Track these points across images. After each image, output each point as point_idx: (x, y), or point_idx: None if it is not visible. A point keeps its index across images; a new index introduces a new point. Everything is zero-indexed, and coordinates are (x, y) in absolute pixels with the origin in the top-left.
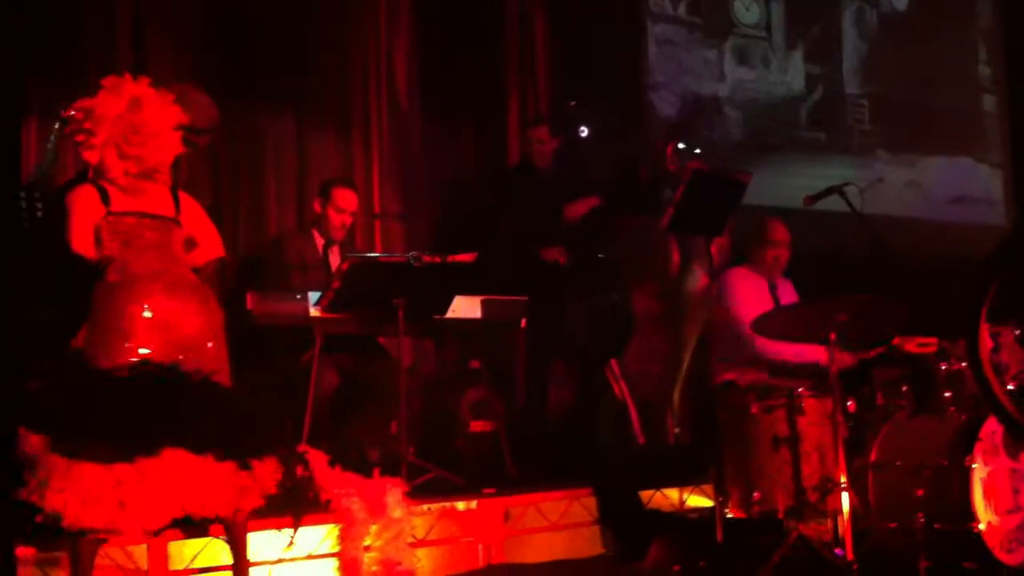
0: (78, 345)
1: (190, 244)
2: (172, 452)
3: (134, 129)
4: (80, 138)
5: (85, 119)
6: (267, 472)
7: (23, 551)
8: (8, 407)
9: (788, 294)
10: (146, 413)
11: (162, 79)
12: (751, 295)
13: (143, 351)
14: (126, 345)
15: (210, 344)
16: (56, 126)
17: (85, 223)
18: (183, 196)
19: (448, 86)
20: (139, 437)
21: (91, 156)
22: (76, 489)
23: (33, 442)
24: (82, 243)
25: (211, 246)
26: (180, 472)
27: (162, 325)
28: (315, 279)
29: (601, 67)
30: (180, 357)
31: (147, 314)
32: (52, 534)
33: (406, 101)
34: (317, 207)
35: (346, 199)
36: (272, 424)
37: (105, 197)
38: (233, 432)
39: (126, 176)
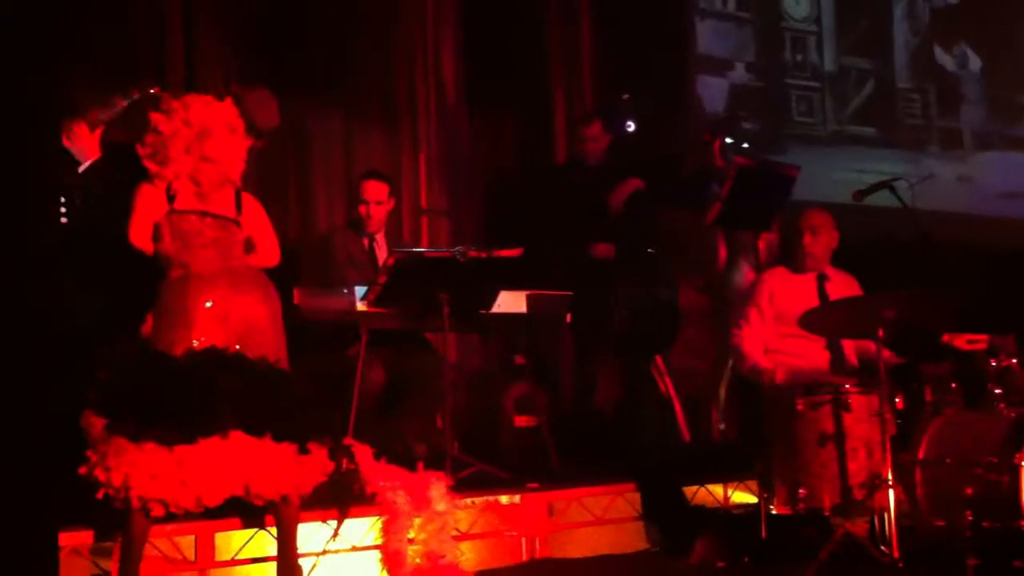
0: (145, 334)
1: (249, 246)
2: (233, 433)
3: (204, 157)
4: (153, 168)
5: (156, 153)
6: (323, 457)
7: (78, 537)
8: (72, 391)
9: (842, 288)
10: (208, 396)
11: (211, 79)
12: (767, 297)
13: (204, 337)
14: (191, 336)
15: (271, 332)
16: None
17: (145, 219)
18: (247, 198)
19: (494, 83)
20: (201, 419)
21: (161, 182)
22: (140, 467)
23: (96, 424)
24: (140, 238)
25: (268, 254)
26: (240, 452)
27: (224, 316)
28: (364, 275)
29: (647, 62)
30: (240, 345)
31: (209, 304)
32: (110, 512)
33: (452, 98)
34: (354, 202)
35: (370, 190)
36: (325, 412)
37: (170, 195)
38: (292, 416)
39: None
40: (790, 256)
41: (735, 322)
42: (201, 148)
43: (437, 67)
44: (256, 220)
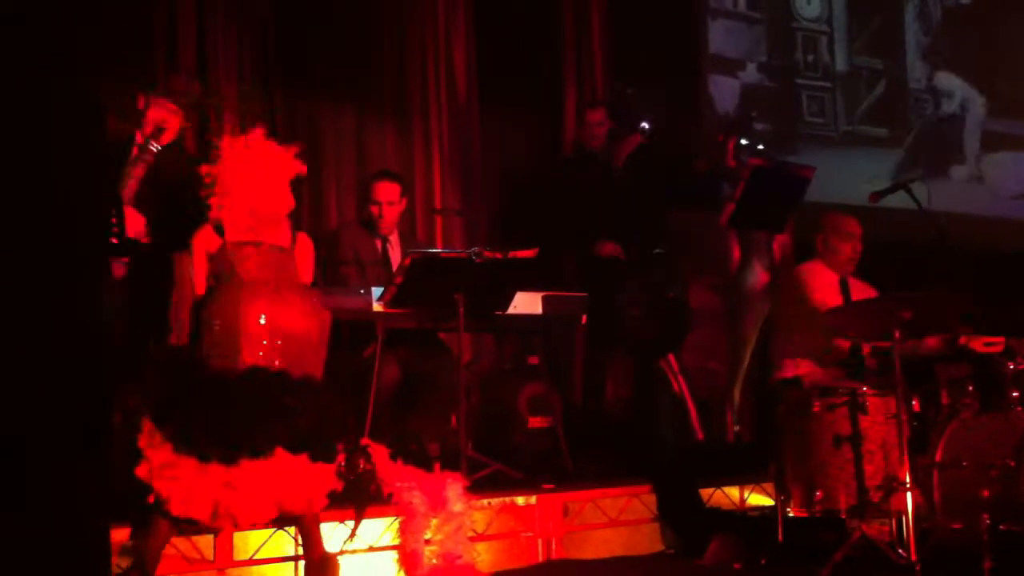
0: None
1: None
2: (276, 453)
3: (256, 194)
4: (213, 202)
5: (212, 185)
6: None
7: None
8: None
9: (859, 291)
10: (253, 416)
11: (225, 77)
12: (826, 288)
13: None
14: (240, 349)
15: (317, 346)
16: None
17: (202, 264)
18: (300, 236)
19: (506, 80)
20: (243, 439)
21: (217, 213)
22: (180, 481)
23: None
24: (200, 283)
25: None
26: (280, 473)
27: (274, 330)
28: (372, 275)
29: (659, 60)
30: (287, 364)
31: (262, 321)
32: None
33: (464, 95)
34: (364, 204)
35: (382, 190)
36: (346, 419)
37: (220, 230)
38: (325, 433)
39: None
40: (822, 255)
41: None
42: (258, 183)
43: (448, 64)
44: (304, 257)
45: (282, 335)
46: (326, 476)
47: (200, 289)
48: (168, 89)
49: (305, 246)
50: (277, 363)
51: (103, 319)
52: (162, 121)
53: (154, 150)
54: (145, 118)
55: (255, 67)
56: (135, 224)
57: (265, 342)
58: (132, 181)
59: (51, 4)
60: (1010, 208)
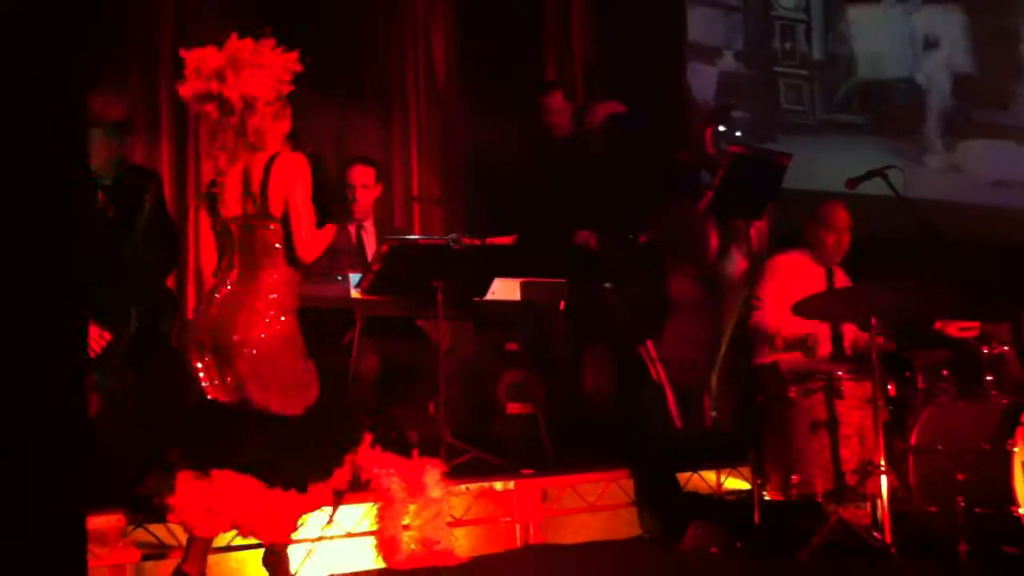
0: None
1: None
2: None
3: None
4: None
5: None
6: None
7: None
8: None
9: (843, 282)
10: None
11: None
12: (791, 279)
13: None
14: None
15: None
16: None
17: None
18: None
19: (486, 68)
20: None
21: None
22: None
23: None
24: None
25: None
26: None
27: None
28: (345, 263)
29: (640, 48)
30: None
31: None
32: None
33: (444, 83)
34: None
35: (356, 174)
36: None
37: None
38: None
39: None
40: (809, 245)
41: (751, 303)
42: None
43: (428, 52)
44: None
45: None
46: (295, 503)
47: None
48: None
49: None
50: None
51: (75, 304)
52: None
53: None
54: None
55: None
56: None
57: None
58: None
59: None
60: (987, 196)
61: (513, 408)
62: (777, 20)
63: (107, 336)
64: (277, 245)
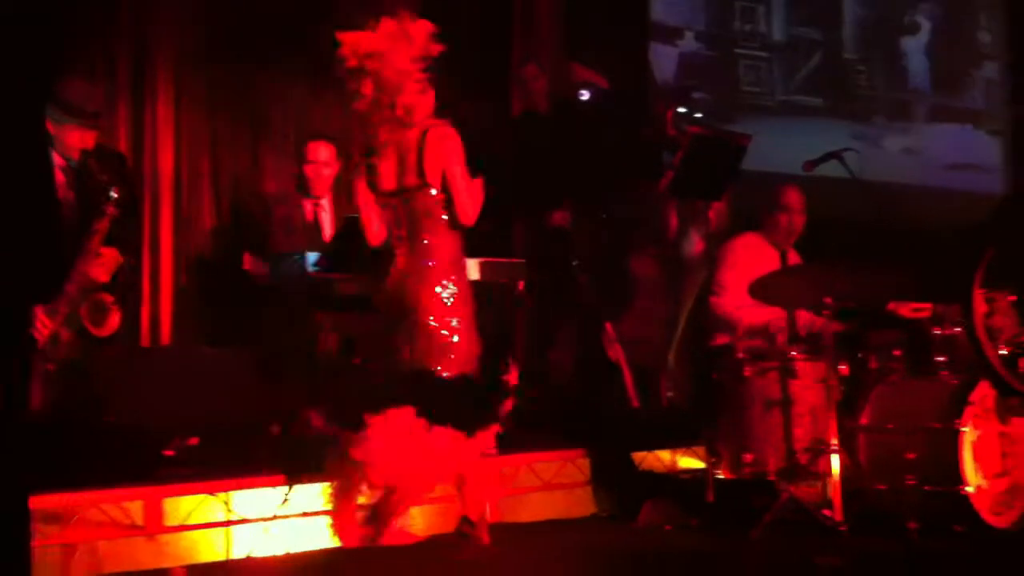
0: None
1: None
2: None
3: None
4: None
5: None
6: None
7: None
8: None
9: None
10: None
11: (166, 44)
12: (748, 262)
13: None
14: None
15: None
16: None
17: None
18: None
19: (452, 47)
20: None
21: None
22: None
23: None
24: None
25: (459, 204)
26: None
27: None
28: (301, 242)
29: (604, 27)
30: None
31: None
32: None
33: None
34: (297, 168)
35: (315, 150)
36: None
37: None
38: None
39: None
40: (762, 227)
41: (711, 289)
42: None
43: None
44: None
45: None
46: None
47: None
48: (61, 101)
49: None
50: None
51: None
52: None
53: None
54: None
55: (197, 33)
56: None
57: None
58: None
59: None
60: (943, 178)
61: None
62: (738, 2)
63: (48, 323)
64: (443, 216)
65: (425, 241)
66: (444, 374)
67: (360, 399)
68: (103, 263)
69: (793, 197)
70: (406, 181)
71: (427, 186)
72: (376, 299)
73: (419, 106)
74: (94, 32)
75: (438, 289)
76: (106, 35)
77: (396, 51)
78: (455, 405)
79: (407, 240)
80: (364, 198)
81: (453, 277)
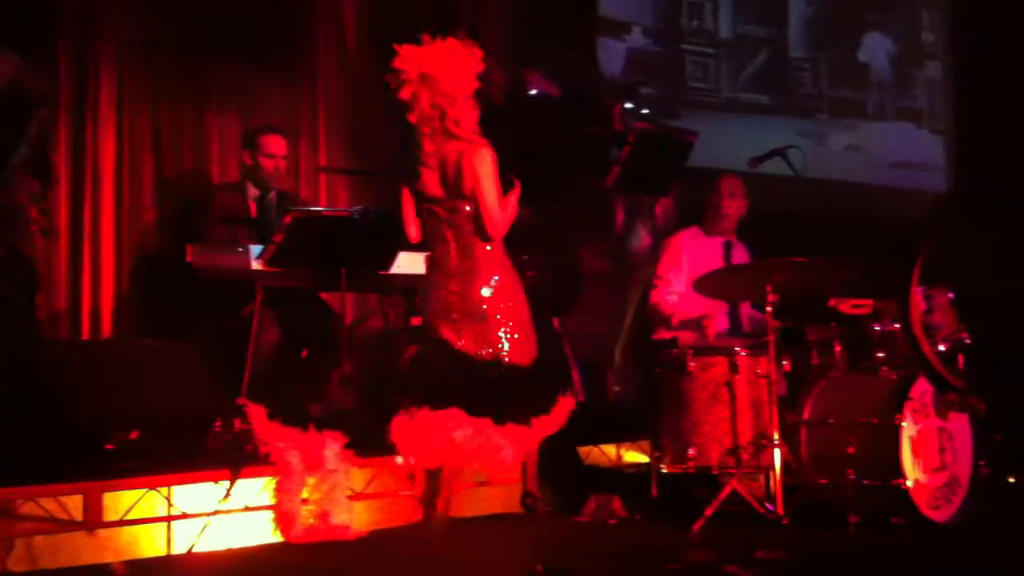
0: None
1: None
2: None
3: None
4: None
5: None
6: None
7: None
8: None
9: (742, 256)
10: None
11: (109, 30)
12: (688, 256)
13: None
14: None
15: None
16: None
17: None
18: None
19: (398, 33)
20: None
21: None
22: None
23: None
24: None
25: (484, 214)
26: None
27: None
28: (242, 233)
29: (553, 20)
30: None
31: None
32: None
33: (354, 47)
34: (247, 159)
35: (274, 144)
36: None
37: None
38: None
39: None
40: (704, 218)
41: (651, 283)
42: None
43: (338, 16)
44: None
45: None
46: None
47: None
48: None
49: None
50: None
51: None
52: None
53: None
54: None
55: (140, 20)
56: None
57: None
58: None
59: None
60: (885, 176)
61: None
62: None
63: None
64: (474, 228)
65: (469, 245)
66: (496, 366)
67: (413, 390)
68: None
69: (729, 183)
70: (447, 192)
71: (463, 200)
72: (420, 300)
73: (467, 121)
74: (34, 18)
75: (484, 289)
76: (46, 22)
77: (454, 67)
78: (509, 395)
79: (452, 243)
80: (407, 201)
81: (498, 275)
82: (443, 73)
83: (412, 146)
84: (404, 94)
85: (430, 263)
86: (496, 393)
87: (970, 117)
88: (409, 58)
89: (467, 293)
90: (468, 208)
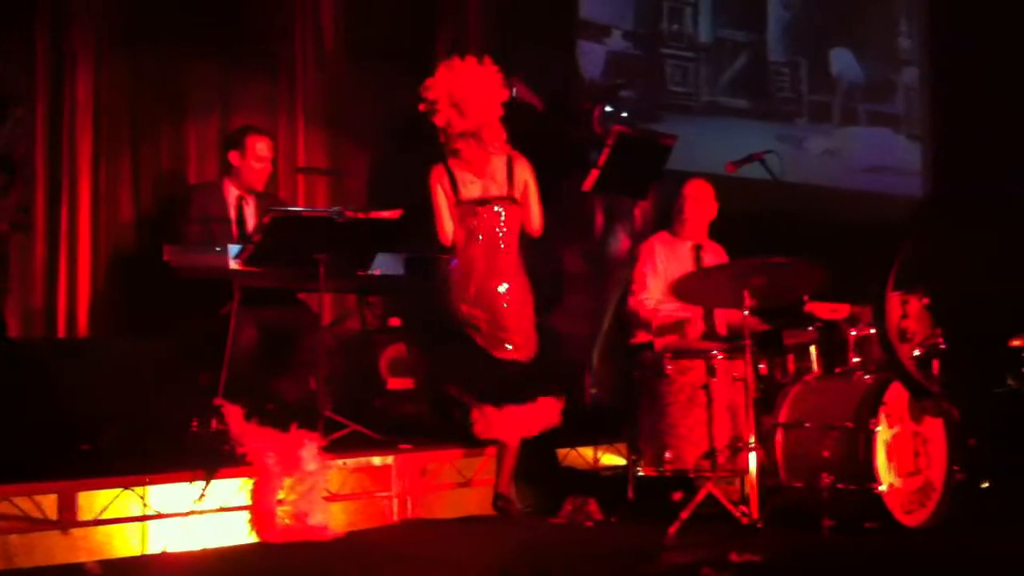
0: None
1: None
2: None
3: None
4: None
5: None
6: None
7: None
8: None
9: (716, 258)
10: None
11: (85, 25)
12: (662, 260)
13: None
14: (462, 310)
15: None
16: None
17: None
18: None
19: (377, 33)
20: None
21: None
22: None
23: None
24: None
25: (527, 218)
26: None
27: (488, 300)
28: (219, 233)
29: (533, 21)
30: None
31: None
32: None
33: (332, 47)
34: (235, 158)
35: (266, 147)
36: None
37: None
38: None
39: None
40: (671, 222)
41: (628, 288)
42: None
43: (316, 15)
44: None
45: (493, 303)
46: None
47: (447, 240)
48: None
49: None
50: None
51: None
52: None
53: None
54: None
55: (119, 14)
56: None
57: (478, 310)
58: None
59: None
60: (861, 181)
61: (394, 383)
62: (666, 2)
63: None
64: (519, 224)
65: (495, 245)
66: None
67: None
68: None
69: (693, 187)
70: (494, 193)
71: (504, 202)
72: (443, 296)
73: (499, 135)
74: (11, 11)
75: (519, 281)
76: (24, 15)
77: (487, 89)
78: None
79: (486, 241)
80: (440, 201)
81: (517, 275)
82: (475, 98)
83: (445, 150)
84: (439, 121)
85: (462, 261)
86: (517, 383)
87: (947, 122)
88: (441, 84)
89: (509, 288)
90: (505, 211)
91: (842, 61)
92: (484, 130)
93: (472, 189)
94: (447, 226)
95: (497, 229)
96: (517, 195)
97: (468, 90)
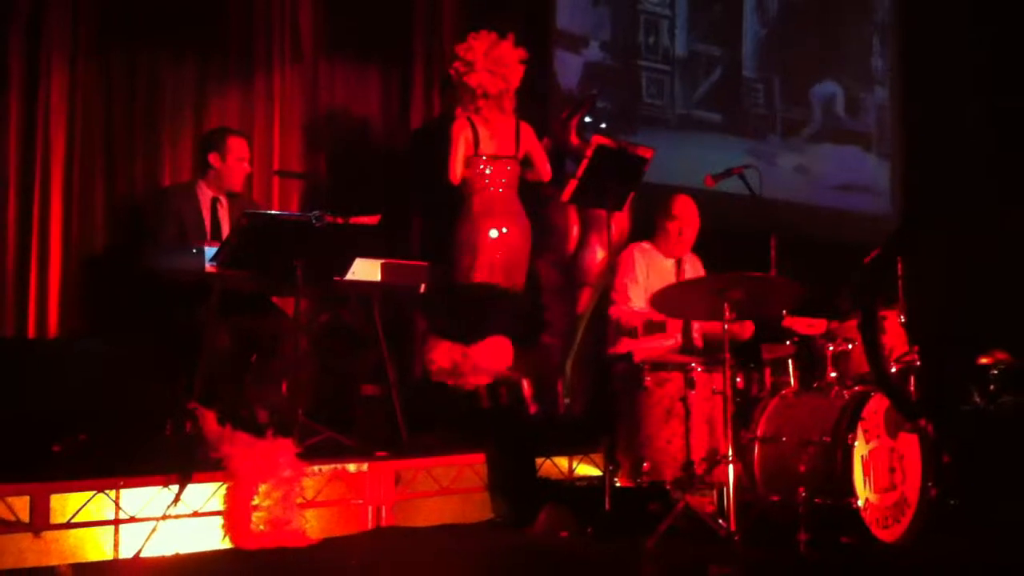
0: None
1: (527, 164)
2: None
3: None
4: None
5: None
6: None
7: None
8: None
9: (695, 271)
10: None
11: (59, 24)
12: (642, 270)
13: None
14: (477, 260)
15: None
16: None
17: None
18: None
19: (354, 36)
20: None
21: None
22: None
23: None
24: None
25: (542, 169)
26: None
27: (503, 245)
28: (194, 234)
29: (509, 30)
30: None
31: (493, 233)
32: None
33: (310, 50)
34: (215, 160)
35: (241, 147)
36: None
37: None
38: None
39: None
40: (655, 235)
41: (609, 297)
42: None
43: (294, 17)
44: (531, 143)
45: (507, 249)
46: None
47: (455, 179)
48: None
49: (528, 136)
50: (502, 272)
51: None
52: None
53: None
54: None
55: (93, 17)
56: None
57: (495, 256)
58: None
59: None
60: (831, 198)
61: (368, 390)
62: (643, 14)
63: None
64: (518, 179)
65: (504, 193)
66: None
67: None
68: None
69: (681, 205)
70: (506, 151)
71: (513, 160)
72: (468, 240)
73: (512, 101)
74: None
75: (521, 223)
76: None
77: (517, 61)
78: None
79: (497, 187)
80: (459, 147)
81: (525, 217)
82: (508, 67)
83: (466, 107)
84: (472, 80)
85: (477, 206)
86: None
87: (917, 142)
88: (480, 49)
89: (519, 228)
90: (511, 167)
91: (815, 79)
92: (506, 96)
93: (489, 145)
94: (458, 168)
95: (503, 179)
96: (521, 154)
97: (504, 59)
